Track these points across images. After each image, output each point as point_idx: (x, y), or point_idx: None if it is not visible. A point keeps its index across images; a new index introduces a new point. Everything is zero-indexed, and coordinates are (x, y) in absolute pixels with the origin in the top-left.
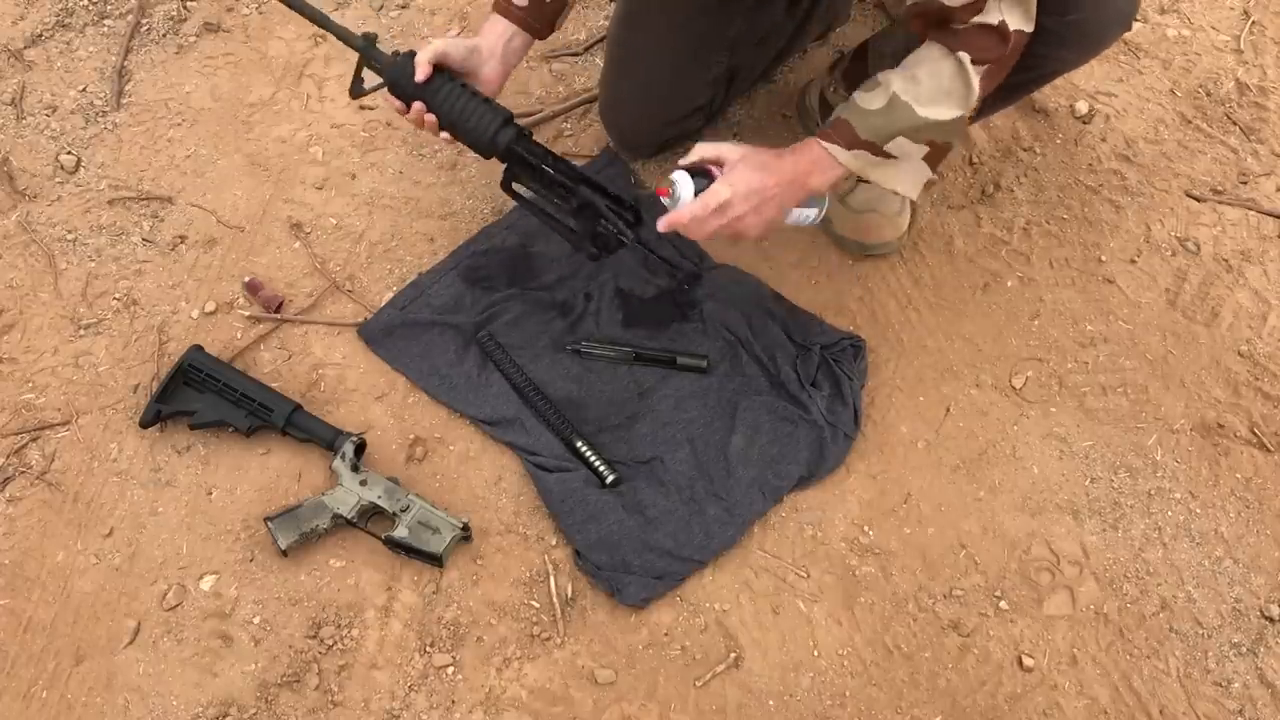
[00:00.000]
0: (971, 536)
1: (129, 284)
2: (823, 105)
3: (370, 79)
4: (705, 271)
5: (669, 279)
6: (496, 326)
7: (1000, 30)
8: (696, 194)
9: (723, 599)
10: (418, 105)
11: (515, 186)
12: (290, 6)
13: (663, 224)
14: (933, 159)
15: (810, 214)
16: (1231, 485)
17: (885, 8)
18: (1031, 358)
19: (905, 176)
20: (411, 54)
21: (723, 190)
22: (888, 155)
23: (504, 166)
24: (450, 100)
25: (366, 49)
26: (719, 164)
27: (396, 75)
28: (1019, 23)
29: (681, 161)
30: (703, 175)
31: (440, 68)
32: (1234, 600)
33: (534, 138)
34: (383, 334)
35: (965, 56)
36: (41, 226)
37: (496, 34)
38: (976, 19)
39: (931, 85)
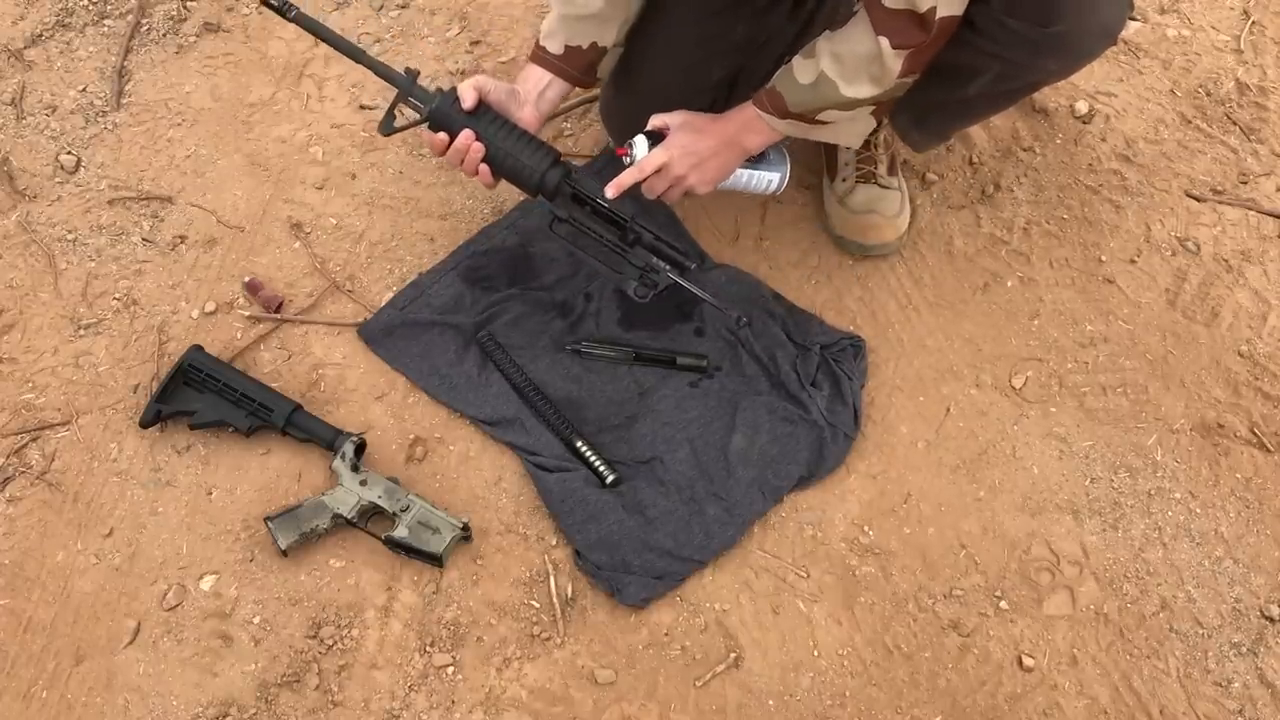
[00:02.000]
0: (971, 536)
1: (129, 284)
2: None
3: (402, 117)
4: (705, 271)
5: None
6: (496, 326)
7: (925, 18)
8: None
9: (723, 599)
10: (465, 135)
11: (555, 227)
12: (327, 42)
13: (610, 188)
14: (878, 112)
15: (773, 179)
16: (1231, 485)
17: None
18: (1031, 358)
19: (845, 133)
20: (453, 88)
21: (660, 155)
22: (821, 123)
23: (543, 206)
24: (499, 133)
25: (409, 86)
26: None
27: (443, 105)
28: (948, 8)
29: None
30: (661, 139)
31: (481, 101)
32: (1234, 600)
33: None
34: (383, 334)
35: (885, 43)
36: (41, 226)
37: (533, 80)
38: (906, 4)
39: (853, 65)
